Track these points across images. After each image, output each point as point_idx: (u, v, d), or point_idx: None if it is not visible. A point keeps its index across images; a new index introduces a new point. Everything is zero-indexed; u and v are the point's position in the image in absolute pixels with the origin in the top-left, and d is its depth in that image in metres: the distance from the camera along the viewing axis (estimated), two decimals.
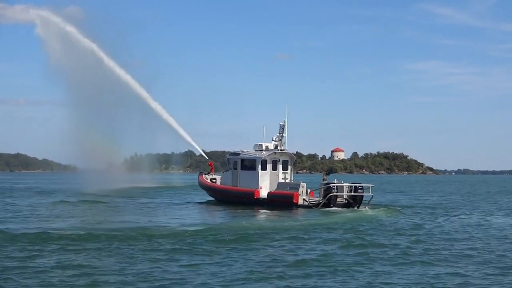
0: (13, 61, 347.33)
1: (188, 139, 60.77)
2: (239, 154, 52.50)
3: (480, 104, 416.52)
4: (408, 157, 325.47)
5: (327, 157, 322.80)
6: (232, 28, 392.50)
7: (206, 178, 55.99)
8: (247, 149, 53.14)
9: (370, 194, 48.39)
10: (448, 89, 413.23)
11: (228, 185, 52.89)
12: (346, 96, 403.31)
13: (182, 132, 61.25)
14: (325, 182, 48.74)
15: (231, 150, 54.71)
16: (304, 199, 47.24)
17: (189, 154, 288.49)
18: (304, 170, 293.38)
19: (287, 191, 48.24)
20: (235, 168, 52.34)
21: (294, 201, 46.82)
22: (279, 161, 51.44)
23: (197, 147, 61.90)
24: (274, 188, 49.87)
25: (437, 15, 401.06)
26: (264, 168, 50.80)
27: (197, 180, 58.44)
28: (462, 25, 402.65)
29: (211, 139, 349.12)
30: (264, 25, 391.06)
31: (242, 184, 51.73)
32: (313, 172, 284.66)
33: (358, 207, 46.66)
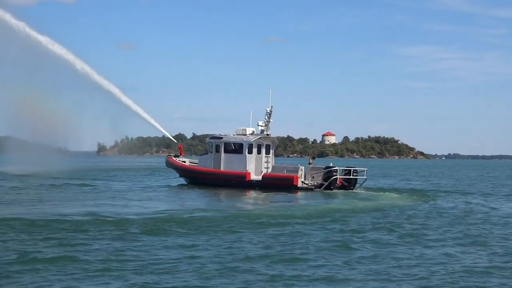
0: None
1: (154, 123, 60.51)
2: (221, 137, 53.32)
3: (471, 89, 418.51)
4: (399, 142, 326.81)
5: (318, 141, 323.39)
6: (224, 12, 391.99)
7: (180, 161, 56.57)
8: (226, 133, 54.19)
9: (364, 177, 51.64)
10: (439, 74, 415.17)
11: (208, 168, 53.50)
12: (338, 80, 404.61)
13: (145, 115, 60.75)
14: (311, 166, 52.01)
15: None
16: (302, 182, 49.91)
17: (180, 137, 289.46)
18: (295, 154, 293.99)
19: (285, 173, 50.55)
20: (218, 151, 52.97)
21: (294, 183, 49.33)
22: (262, 145, 52.76)
23: (163, 130, 61.99)
24: (259, 172, 51.90)
25: (430, 0, 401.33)
26: (250, 151, 51.95)
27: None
28: (454, 10, 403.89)
29: (203, 123, 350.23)
30: (256, 8, 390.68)
31: (226, 167, 52.56)
32: (304, 156, 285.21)
33: (352, 189, 50.24)
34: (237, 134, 53.52)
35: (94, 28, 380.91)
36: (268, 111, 52.98)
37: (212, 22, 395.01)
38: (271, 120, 53.05)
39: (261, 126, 52.90)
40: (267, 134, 52.97)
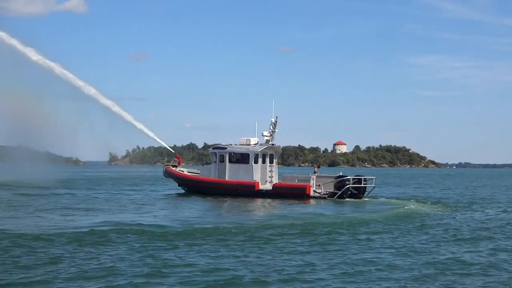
0: None
1: (151, 134, 60.86)
2: (226, 148, 54.07)
3: (481, 98, 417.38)
4: (410, 151, 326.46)
5: (329, 151, 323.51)
6: (235, 23, 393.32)
7: (181, 171, 57.34)
8: (228, 143, 54.88)
9: (372, 185, 53.36)
10: (449, 83, 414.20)
11: (212, 178, 54.25)
12: (348, 89, 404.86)
13: (141, 127, 61.01)
14: (316, 175, 53.29)
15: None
16: (314, 191, 51.15)
17: (191, 146, 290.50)
18: (307, 163, 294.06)
19: (296, 183, 52.13)
20: (222, 161, 53.72)
21: (307, 192, 50.63)
22: (267, 154, 53.59)
23: (160, 141, 62.39)
24: (264, 181, 52.91)
25: (439, 9, 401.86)
26: (256, 161, 52.75)
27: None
28: (464, 19, 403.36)
29: (214, 132, 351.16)
30: (267, 18, 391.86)
31: (231, 177, 53.27)
32: (314, 165, 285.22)
33: (361, 197, 51.65)
34: (241, 144, 54.21)
35: (107, 38, 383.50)
36: (273, 121, 53.71)
37: (223, 32, 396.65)
38: (276, 130, 53.85)
39: (266, 136, 53.71)
40: (272, 144, 53.77)
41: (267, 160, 53.61)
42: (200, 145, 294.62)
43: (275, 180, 53.70)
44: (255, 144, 53.77)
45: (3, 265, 19.94)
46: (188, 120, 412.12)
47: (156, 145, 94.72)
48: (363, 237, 28.12)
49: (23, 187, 59.95)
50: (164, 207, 43.39)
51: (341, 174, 53.95)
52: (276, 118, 53.71)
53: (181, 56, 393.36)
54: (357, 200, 50.63)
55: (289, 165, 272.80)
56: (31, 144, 75.65)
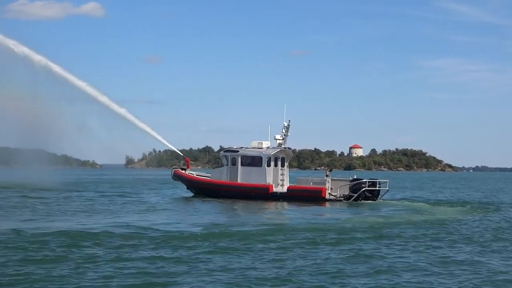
0: None
1: (159, 138, 60.71)
2: (237, 151, 54.64)
3: (496, 101, 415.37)
4: (426, 154, 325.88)
5: (345, 154, 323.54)
6: (249, 26, 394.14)
7: (191, 174, 57.69)
8: (238, 146, 55.47)
9: (386, 188, 54.29)
10: (464, 86, 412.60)
11: (224, 180, 54.73)
12: (364, 92, 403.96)
13: (149, 130, 61.32)
14: (328, 178, 53.42)
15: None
16: (330, 194, 51.82)
17: (207, 150, 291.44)
18: (323, 167, 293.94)
19: (311, 186, 52.69)
20: (234, 164, 54.29)
21: (323, 195, 51.32)
22: (279, 158, 54.16)
23: (168, 144, 62.54)
24: (276, 184, 53.50)
25: (453, 12, 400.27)
26: (269, 164, 53.39)
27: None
28: (478, 22, 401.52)
29: (229, 135, 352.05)
30: (280, 21, 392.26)
31: (243, 179, 53.83)
32: (333, 168, 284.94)
33: (375, 200, 52.31)
34: (253, 147, 54.83)
35: (122, 41, 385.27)
36: (285, 125, 54.26)
37: (237, 36, 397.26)
38: (289, 133, 54.36)
39: (278, 139, 54.25)
40: (285, 147, 54.37)
41: (279, 163, 54.19)
42: (216, 148, 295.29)
43: (286, 183, 54.28)
44: (267, 148, 54.43)
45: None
46: (204, 123, 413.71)
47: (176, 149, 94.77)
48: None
49: (41, 190, 60.95)
50: (185, 210, 43.97)
51: (355, 177, 54.82)
52: (289, 122, 54.29)
53: (196, 59, 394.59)
54: (373, 202, 51.52)
55: (305, 168, 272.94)
56: (48, 147, 76.51)
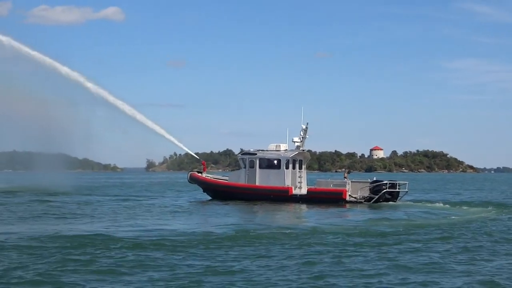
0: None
1: (175, 141, 60.96)
2: (255, 153, 55.10)
3: None
4: (448, 155, 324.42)
5: (366, 156, 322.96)
6: (270, 28, 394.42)
7: (207, 177, 58.03)
8: (255, 149, 55.83)
9: (405, 190, 54.71)
10: (486, 87, 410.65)
11: (241, 183, 55.16)
12: (385, 94, 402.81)
13: (165, 134, 60.87)
14: (346, 180, 54.25)
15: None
16: (350, 195, 52.41)
17: (228, 153, 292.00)
18: (343, 169, 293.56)
19: (331, 188, 53.24)
20: (252, 167, 54.71)
21: (343, 197, 51.93)
22: (297, 160, 54.73)
23: (184, 148, 62.74)
24: (294, 187, 53.96)
25: (475, 13, 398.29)
26: (287, 167, 53.83)
27: None
28: (499, 23, 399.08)
29: (251, 138, 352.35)
30: (303, 24, 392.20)
31: (261, 182, 54.30)
32: (352, 170, 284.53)
33: (395, 202, 52.95)
34: (271, 150, 55.22)
35: (144, 45, 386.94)
36: (303, 127, 54.74)
37: (259, 38, 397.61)
38: (307, 136, 54.95)
39: (296, 142, 54.76)
40: (303, 150, 54.94)
41: (297, 165, 54.77)
42: (236, 151, 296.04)
43: (304, 186, 54.83)
44: (285, 150, 54.90)
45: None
46: (225, 126, 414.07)
47: (193, 152, 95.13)
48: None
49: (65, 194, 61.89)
50: (209, 213, 44.28)
51: (375, 179, 55.35)
52: (307, 125, 54.80)
53: (218, 63, 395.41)
54: (393, 203, 52.19)
55: (325, 170, 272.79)
56: (69, 151, 77.37)
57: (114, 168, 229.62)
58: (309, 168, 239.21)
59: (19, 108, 69.84)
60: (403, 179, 59.31)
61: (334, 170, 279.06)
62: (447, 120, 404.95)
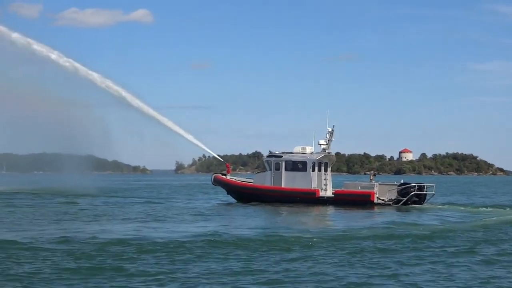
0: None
1: (200, 144, 61.37)
2: (281, 156, 55.44)
3: None
4: (477, 158, 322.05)
5: (395, 158, 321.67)
6: (296, 30, 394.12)
7: (233, 179, 58.38)
8: (279, 151, 56.32)
9: (432, 193, 55.35)
10: None
11: (267, 185, 55.49)
12: (413, 97, 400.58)
13: (190, 138, 61.32)
14: (372, 182, 54.86)
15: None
16: (377, 197, 52.89)
17: (257, 155, 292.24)
18: (369, 172, 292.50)
19: (359, 190, 53.68)
20: (277, 169, 55.04)
21: (371, 199, 52.28)
22: (322, 163, 55.05)
23: (209, 150, 62.74)
24: (320, 189, 54.36)
25: (503, 14, 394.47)
26: (313, 169, 54.12)
27: None
28: None
29: (277, 141, 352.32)
30: (328, 26, 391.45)
31: (287, 184, 54.63)
32: (380, 173, 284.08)
33: (422, 204, 53.56)
34: (296, 152, 55.58)
35: (172, 47, 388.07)
36: (329, 130, 55.08)
37: (284, 40, 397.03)
38: (333, 138, 55.26)
39: (323, 144, 55.13)
40: (329, 152, 55.31)
41: (323, 168, 55.09)
42: (265, 153, 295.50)
43: (330, 188, 55.16)
44: (311, 153, 55.24)
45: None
46: (252, 128, 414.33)
47: (220, 154, 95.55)
48: None
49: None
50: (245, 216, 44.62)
51: (402, 181, 55.45)
52: (333, 127, 55.23)
53: (245, 64, 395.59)
54: (421, 206, 52.76)
55: (354, 173, 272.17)
56: (99, 153, 78.04)
57: (143, 170, 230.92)
58: (337, 170, 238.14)
59: (47, 110, 70.72)
60: (431, 182, 59.95)
61: (363, 173, 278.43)
62: (477, 122, 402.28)
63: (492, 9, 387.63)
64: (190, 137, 61.29)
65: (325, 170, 55.30)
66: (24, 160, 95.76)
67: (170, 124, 61.70)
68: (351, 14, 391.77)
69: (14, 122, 72.59)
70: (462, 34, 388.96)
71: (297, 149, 55.62)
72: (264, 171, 57.07)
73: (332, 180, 56.48)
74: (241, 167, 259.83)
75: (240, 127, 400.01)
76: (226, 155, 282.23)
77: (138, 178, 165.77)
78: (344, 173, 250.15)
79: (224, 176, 58.06)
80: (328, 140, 55.20)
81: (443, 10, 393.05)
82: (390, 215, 45.55)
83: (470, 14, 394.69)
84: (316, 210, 49.49)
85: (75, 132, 72.26)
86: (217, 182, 58.20)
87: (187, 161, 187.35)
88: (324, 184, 54.80)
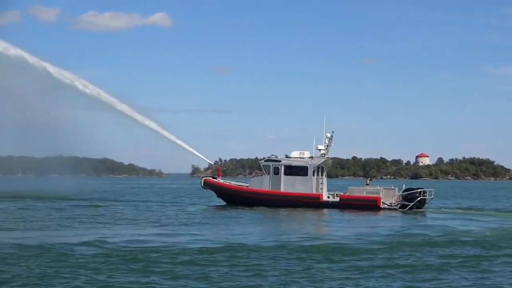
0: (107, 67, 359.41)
1: (187, 147, 62.00)
2: (280, 160, 57.09)
3: None
4: (494, 163, 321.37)
5: (411, 163, 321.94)
6: (316, 33, 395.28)
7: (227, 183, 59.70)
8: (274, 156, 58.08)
9: (431, 197, 57.28)
10: None
11: (265, 189, 56.48)
12: (431, 101, 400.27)
13: (181, 143, 62.12)
14: (368, 187, 56.66)
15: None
16: (383, 202, 54.59)
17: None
18: (389, 176, 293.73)
19: (365, 195, 54.98)
20: (276, 174, 56.35)
21: (378, 204, 53.86)
22: (320, 167, 56.61)
23: (199, 155, 63.06)
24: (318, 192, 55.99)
25: None
26: (313, 174, 55.91)
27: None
28: None
29: (296, 144, 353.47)
30: (347, 29, 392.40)
31: (286, 189, 55.97)
32: (397, 177, 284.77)
33: (421, 208, 55.63)
34: (295, 157, 57.03)
35: (191, 51, 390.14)
36: (328, 136, 56.85)
37: (304, 43, 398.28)
38: (331, 144, 56.95)
39: (322, 150, 56.84)
40: (327, 158, 56.98)
41: (320, 172, 56.57)
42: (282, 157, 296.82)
43: (325, 192, 56.62)
44: (310, 157, 56.75)
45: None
46: (271, 132, 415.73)
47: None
48: None
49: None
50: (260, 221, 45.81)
51: (404, 186, 57.37)
52: (332, 133, 57.07)
53: (264, 69, 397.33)
54: (421, 209, 55.20)
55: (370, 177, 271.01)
56: (114, 157, 79.91)
57: (159, 174, 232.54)
58: (354, 174, 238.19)
59: (63, 115, 72.57)
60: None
61: (380, 177, 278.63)
62: (494, 127, 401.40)
63: (510, 13, 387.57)
64: (188, 146, 62.15)
65: (321, 175, 56.65)
66: (40, 163, 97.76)
67: (172, 136, 62.78)
68: (368, 19, 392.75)
69: (30, 125, 74.44)
70: (480, 38, 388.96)
71: (295, 153, 57.01)
72: (261, 175, 58.07)
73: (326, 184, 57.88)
74: (257, 171, 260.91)
75: (257, 131, 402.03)
76: (243, 159, 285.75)
77: (155, 181, 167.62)
78: (360, 177, 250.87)
79: (214, 179, 58.98)
80: (327, 145, 56.89)
81: (461, 14, 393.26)
82: (427, 220, 48.03)
83: (488, 17, 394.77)
84: (328, 216, 49.97)
85: (92, 135, 73.65)
86: (207, 185, 58.78)
87: (203, 165, 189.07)
88: (320, 188, 56.13)
